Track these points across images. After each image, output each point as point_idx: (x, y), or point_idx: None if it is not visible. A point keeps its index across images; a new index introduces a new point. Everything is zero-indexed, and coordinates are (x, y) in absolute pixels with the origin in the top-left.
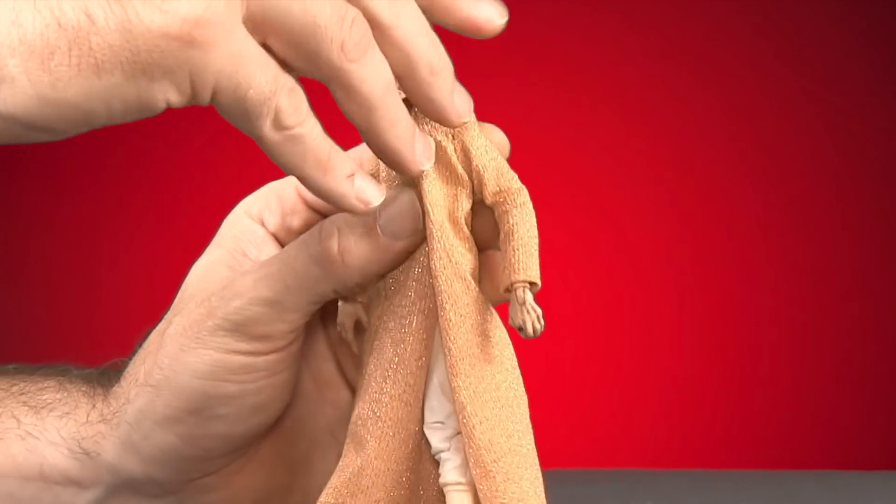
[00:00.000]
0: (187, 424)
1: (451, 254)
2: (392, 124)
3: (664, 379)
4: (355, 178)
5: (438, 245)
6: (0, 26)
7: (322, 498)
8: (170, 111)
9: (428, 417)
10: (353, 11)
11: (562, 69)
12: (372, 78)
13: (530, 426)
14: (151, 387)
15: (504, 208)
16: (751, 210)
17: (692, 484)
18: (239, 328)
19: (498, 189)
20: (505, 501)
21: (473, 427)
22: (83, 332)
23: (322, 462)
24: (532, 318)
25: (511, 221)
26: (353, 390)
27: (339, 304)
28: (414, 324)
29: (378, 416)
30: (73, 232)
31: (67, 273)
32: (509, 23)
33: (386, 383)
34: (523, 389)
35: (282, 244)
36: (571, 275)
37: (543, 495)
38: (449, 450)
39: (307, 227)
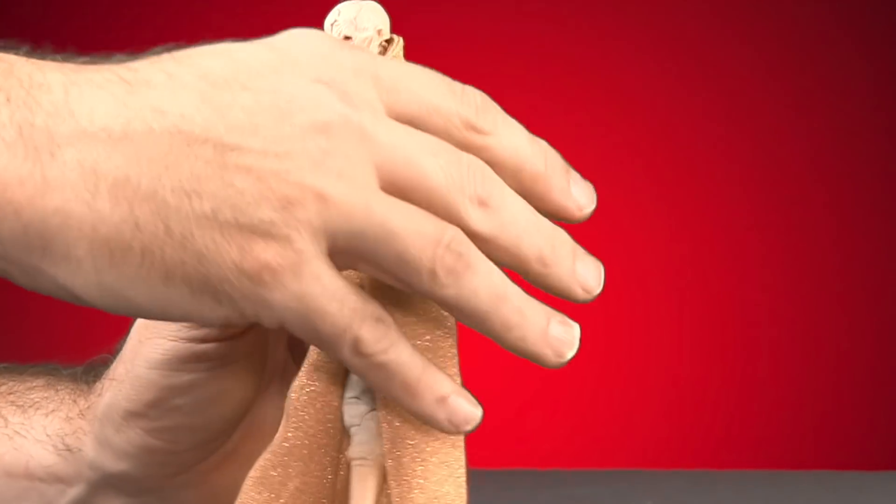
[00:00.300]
0: (149, 417)
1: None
2: (509, 329)
3: (664, 379)
4: (448, 400)
5: None
6: (75, 205)
7: (251, 472)
8: None
9: (346, 392)
10: (449, 233)
11: (562, 69)
12: (473, 295)
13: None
14: (116, 381)
15: None
16: (751, 210)
17: (692, 484)
18: None
19: None
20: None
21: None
22: (83, 332)
23: None
24: None
25: None
26: None
27: None
28: None
29: (304, 388)
30: None
31: None
32: (509, 24)
33: (320, 356)
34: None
35: None
36: None
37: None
38: (359, 425)
39: None
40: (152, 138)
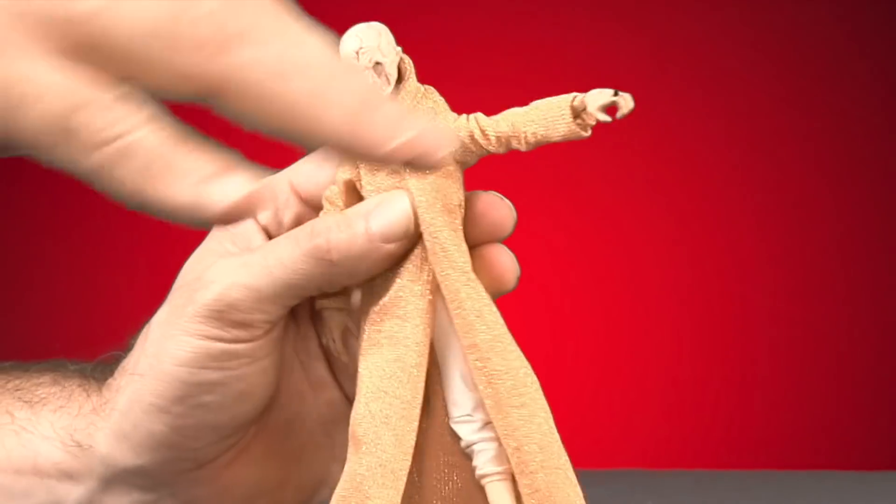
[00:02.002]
0: (173, 413)
1: (447, 251)
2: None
3: (664, 379)
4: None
5: (435, 246)
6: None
7: None
8: (172, 108)
9: (454, 413)
10: (202, 7)
11: (562, 70)
12: (259, 60)
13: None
14: (139, 375)
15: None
16: (751, 210)
17: (692, 484)
18: (216, 314)
19: (497, 135)
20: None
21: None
22: (83, 331)
23: (314, 459)
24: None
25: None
26: (345, 391)
27: (325, 314)
28: (408, 325)
29: (373, 414)
30: (74, 231)
31: (67, 272)
32: (508, 25)
33: (382, 381)
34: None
35: (272, 238)
36: (572, 275)
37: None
38: (482, 441)
39: (298, 221)
40: None
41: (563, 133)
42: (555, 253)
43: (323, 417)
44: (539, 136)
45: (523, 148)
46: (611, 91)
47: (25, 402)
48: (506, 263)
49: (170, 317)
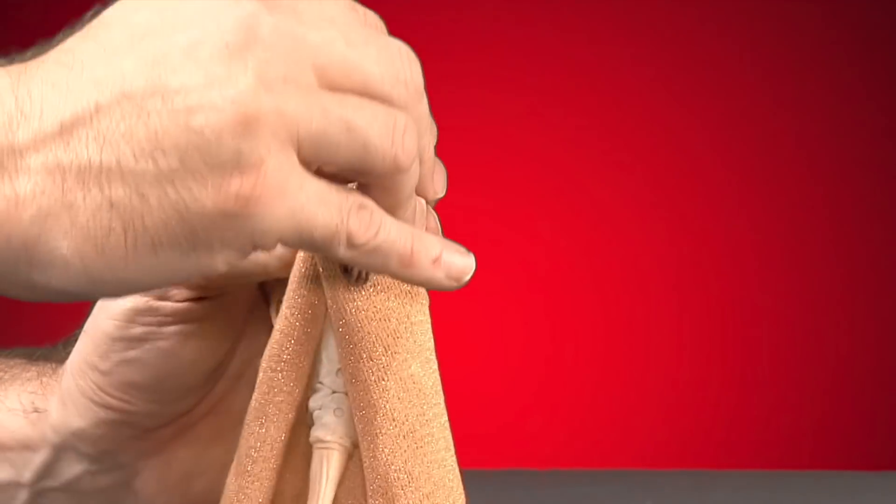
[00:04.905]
0: (100, 369)
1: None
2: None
3: (664, 379)
4: (441, 259)
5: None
6: (49, 207)
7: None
8: None
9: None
10: (401, 118)
11: (562, 71)
12: (411, 182)
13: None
14: (84, 333)
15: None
16: (751, 212)
17: (692, 484)
18: None
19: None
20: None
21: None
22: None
23: None
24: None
25: None
26: None
27: (268, 286)
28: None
29: (274, 357)
30: None
31: None
32: (509, 28)
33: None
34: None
35: None
36: (572, 275)
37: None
38: (321, 408)
39: None
40: (102, 112)
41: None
42: (555, 253)
43: None
44: None
45: None
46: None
47: None
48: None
49: None
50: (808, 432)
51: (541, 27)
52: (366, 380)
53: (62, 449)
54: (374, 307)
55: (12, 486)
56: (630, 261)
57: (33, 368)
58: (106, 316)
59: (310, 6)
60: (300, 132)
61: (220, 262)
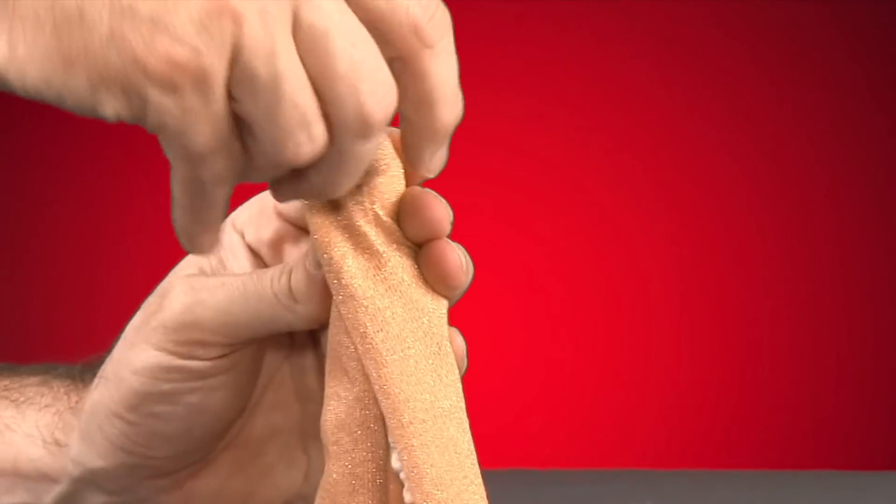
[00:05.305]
0: (126, 419)
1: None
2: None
3: (664, 379)
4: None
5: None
6: None
7: None
8: None
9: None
10: (317, 128)
11: (561, 72)
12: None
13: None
14: (105, 379)
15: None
16: (751, 211)
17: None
18: (179, 329)
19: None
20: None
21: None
22: (83, 332)
23: (285, 476)
24: None
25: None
26: None
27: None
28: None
29: (340, 420)
30: (73, 231)
31: (67, 272)
32: (509, 27)
33: (346, 383)
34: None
35: (255, 254)
36: (572, 275)
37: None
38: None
39: (277, 237)
40: None
41: None
42: (555, 253)
43: (304, 432)
44: None
45: None
46: None
47: (12, 401)
48: (450, 261)
49: (137, 324)
50: (808, 432)
51: (541, 27)
52: (408, 445)
53: (82, 482)
54: (408, 371)
55: None
56: (630, 261)
57: (49, 393)
58: (130, 371)
59: None
60: (238, 54)
61: (109, 111)
